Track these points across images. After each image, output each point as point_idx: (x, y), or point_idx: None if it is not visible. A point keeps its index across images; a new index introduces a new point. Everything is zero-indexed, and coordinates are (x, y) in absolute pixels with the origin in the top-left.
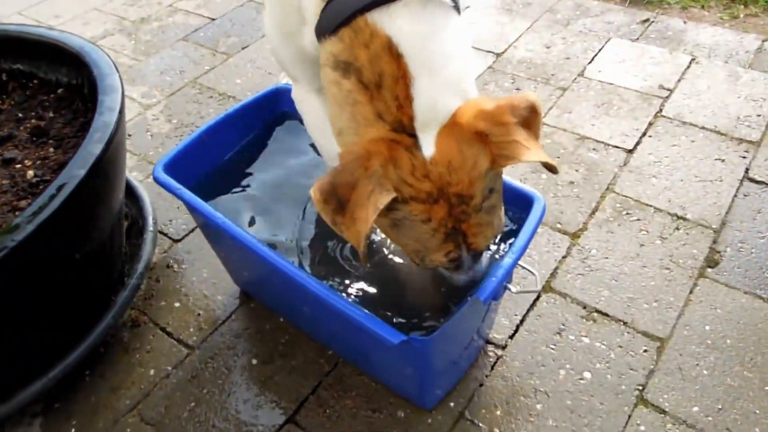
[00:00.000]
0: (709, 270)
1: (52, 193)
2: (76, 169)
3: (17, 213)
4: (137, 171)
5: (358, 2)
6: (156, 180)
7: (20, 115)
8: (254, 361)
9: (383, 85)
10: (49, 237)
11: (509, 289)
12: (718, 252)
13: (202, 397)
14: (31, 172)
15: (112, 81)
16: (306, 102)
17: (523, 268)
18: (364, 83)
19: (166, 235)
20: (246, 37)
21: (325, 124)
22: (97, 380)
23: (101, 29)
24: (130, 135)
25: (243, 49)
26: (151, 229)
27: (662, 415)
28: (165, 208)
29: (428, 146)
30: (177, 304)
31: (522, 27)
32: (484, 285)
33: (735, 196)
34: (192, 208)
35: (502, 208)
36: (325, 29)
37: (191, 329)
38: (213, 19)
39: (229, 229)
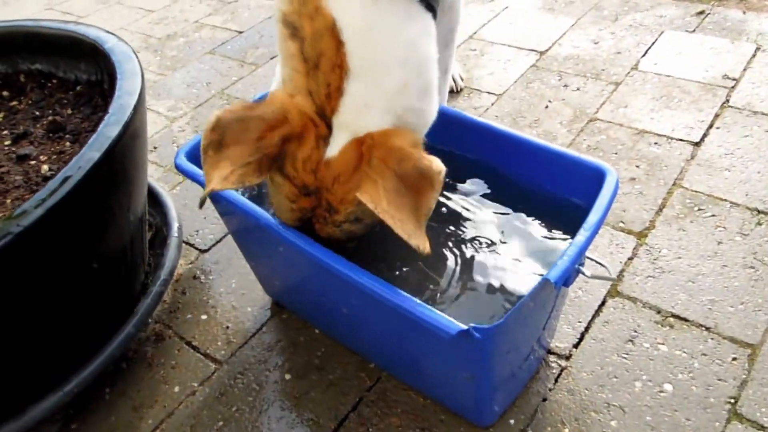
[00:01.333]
0: None
1: (63, 178)
2: (90, 152)
3: None
4: (163, 182)
5: None
6: (177, 167)
7: (37, 113)
8: (288, 376)
9: (320, 67)
10: (59, 226)
11: (583, 273)
12: None
13: (231, 415)
14: (45, 167)
15: (132, 66)
16: None
17: (591, 259)
18: (305, 56)
19: (192, 245)
20: (274, 47)
21: None
22: (117, 398)
23: None
24: (155, 147)
25: (272, 59)
26: (175, 235)
27: (761, 431)
28: (191, 219)
29: (335, 147)
30: (204, 317)
31: (566, 24)
32: (555, 266)
33: None
34: (218, 200)
35: (360, 231)
36: None
37: (219, 343)
38: (240, 32)
39: (264, 220)
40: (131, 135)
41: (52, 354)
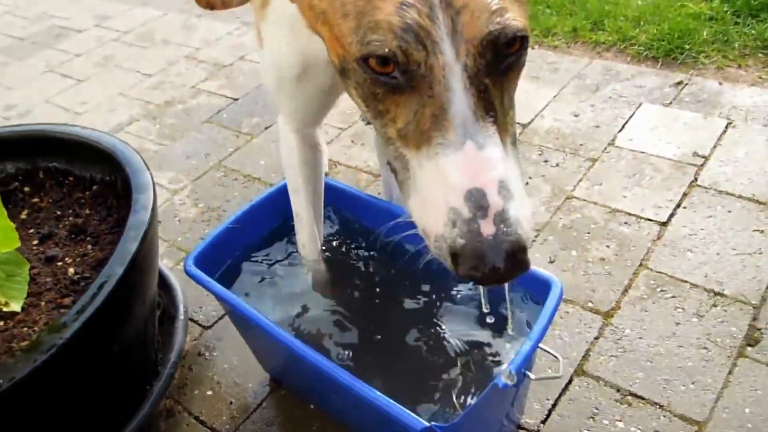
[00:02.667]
0: (750, 349)
1: (93, 292)
2: (115, 267)
3: (62, 310)
4: (167, 258)
5: None
6: (187, 273)
7: (59, 212)
8: None
9: None
10: (93, 333)
11: (528, 376)
12: (759, 329)
13: None
14: (72, 270)
15: (144, 179)
16: (287, 140)
17: (546, 352)
18: None
19: (196, 322)
20: (268, 117)
21: (300, 166)
22: None
23: (127, 115)
24: (159, 221)
25: (266, 129)
26: (182, 318)
27: None
28: (195, 296)
29: None
30: (209, 392)
31: (549, 95)
32: (502, 372)
33: None
34: (222, 300)
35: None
36: None
37: (224, 417)
38: (236, 99)
39: (255, 318)
40: (148, 245)
41: None
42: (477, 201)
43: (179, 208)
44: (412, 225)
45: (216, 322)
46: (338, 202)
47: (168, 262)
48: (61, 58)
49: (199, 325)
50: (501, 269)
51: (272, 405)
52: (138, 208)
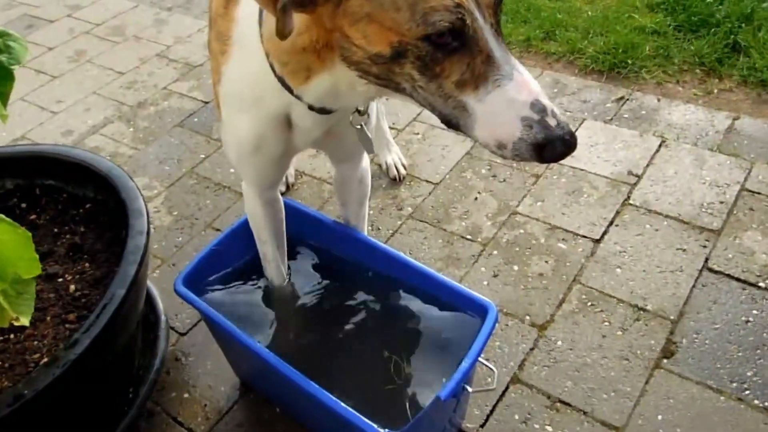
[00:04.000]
0: (665, 361)
1: (99, 312)
2: (118, 289)
3: (67, 325)
4: None
5: None
6: (177, 293)
7: (56, 230)
8: None
9: None
10: (98, 347)
11: (467, 389)
12: (674, 343)
13: None
14: (72, 287)
15: (139, 205)
16: (252, 203)
17: (483, 364)
18: None
19: (173, 329)
20: None
21: (265, 223)
22: None
23: (101, 116)
24: None
25: None
26: (163, 327)
27: None
28: (171, 303)
29: None
30: (186, 395)
31: None
32: (444, 386)
33: (693, 286)
34: (207, 316)
35: None
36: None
37: (199, 419)
38: (206, 103)
39: (236, 334)
40: (144, 266)
41: None
42: (539, 107)
43: (154, 216)
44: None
45: (191, 328)
46: (303, 229)
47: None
48: (34, 51)
49: (176, 331)
50: (572, 142)
51: (243, 408)
52: (134, 234)
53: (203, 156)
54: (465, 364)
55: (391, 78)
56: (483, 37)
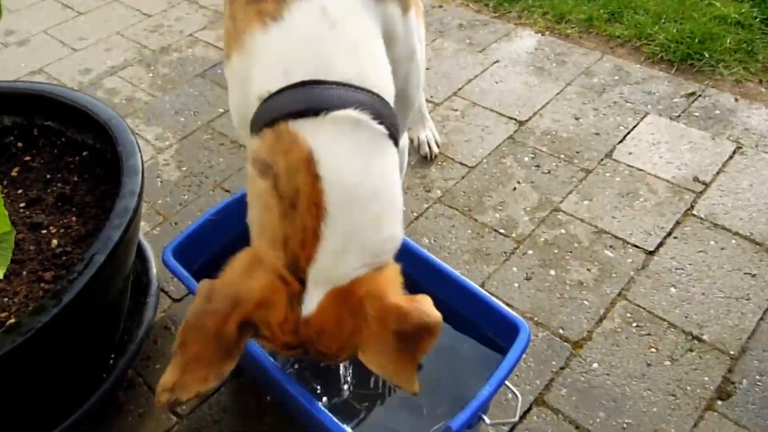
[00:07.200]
0: (720, 402)
1: (73, 277)
2: (98, 254)
3: (41, 284)
4: (144, 220)
5: (282, 109)
6: (165, 264)
7: (48, 176)
8: None
9: (297, 206)
10: (71, 314)
11: (484, 420)
12: (733, 383)
13: None
14: (55, 241)
15: (134, 162)
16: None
17: (508, 387)
18: (280, 193)
19: (167, 293)
20: None
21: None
22: None
23: (121, 58)
24: None
25: None
26: (153, 294)
27: None
28: None
29: (311, 303)
30: None
31: (552, 91)
32: (458, 415)
33: (761, 319)
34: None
35: None
36: (253, 127)
37: None
38: None
39: None
40: (131, 231)
41: (35, 411)
42: None
43: (162, 169)
44: None
45: (186, 295)
46: None
47: (145, 226)
48: None
49: (170, 297)
50: None
51: (230, 392)
52: (125, 193)
53: (222, 111)
54: (485, 391)
55: None
56: None
